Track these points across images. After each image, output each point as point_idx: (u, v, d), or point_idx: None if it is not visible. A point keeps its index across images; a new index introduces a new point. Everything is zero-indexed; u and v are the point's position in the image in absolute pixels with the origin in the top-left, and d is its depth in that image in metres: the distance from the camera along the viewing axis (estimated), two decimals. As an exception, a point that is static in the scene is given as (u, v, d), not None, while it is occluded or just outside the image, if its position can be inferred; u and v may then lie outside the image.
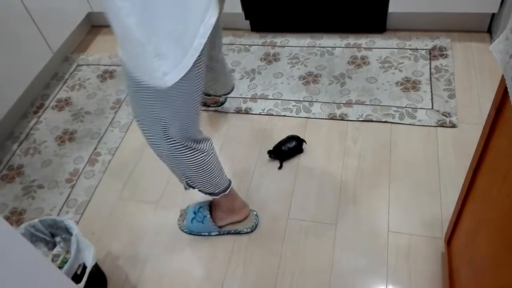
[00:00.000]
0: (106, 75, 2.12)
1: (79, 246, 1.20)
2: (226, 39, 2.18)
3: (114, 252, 1.46)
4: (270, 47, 2.10)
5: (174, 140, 1.09)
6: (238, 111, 1.84)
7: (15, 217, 1.61)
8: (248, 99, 1.87)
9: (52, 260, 1.23)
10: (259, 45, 2.12)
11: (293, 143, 1.61)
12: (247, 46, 2.13)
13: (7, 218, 1.60)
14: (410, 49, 1.95)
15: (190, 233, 1.47)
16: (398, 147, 1.60)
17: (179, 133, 1.08)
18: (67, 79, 2.14)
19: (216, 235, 1.45)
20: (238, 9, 2.09)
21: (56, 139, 1.87)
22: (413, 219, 1.40)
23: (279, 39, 2.13)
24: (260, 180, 1.58)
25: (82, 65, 2.20)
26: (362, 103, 1.76)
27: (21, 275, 0.82)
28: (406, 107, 1.72)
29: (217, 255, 1.41)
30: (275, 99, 1.85)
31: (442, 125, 1.63)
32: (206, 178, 1.22)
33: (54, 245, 1.31)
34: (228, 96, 1.85)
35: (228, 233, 1.45)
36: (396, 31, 2.05)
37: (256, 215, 1.47)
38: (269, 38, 2.15)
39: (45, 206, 1.63)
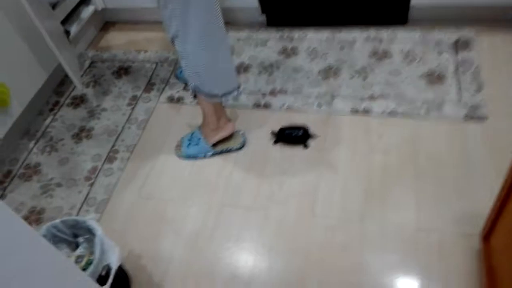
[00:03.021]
0: (121, 71, 2.09)
1: (103, 247, 1.17)
2: (242, 34, 2.13)
3: (136, 251, 1.43)
4: (287, 41, 2.06)
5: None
6: (257, 106, 1.80)
7: (34, 216, 1.58)
8: (267, 94, 1.83)
9: (76, 262, 1.20)
10: (276, 39, 2.08)
11: (300, 132, 1.61)
12: (264, 40, 2.09)
13: (26, 218, 1.57)
14: (433, 41, 1.90)
15: (188, 157, 1.66)
16: (425, 142, 1.55)
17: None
18: (82, 75, 2.11)
19: (211, 155, 1.64)
20: (254, 3, 2.05)
21: (73, 137, 1.84)
22: (443, 215, 1.35)
23: (296, 33, 2.08)
24: (283, 177, 1.54)
25: (96, 61, 2.17)
26: (386, 98, 1.71)
27: (45, 279, 0.78)
28: (432, 101, 1.67)
29: (242, 254, 1.37)
30: (294, 93, 1.81)
31: (470, 119, 1.58)
32: (216, 71, 1.43)
33: (76, 245, 1.29)
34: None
35: (221, 152, 1.64)
36: (418, 23, 1.99)
37: (243, 134, 1.67)
38: (286, 32, 2.10)
39: (64, 205, 1.60)
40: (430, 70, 1.78)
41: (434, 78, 1.75)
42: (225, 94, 1.51)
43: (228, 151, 1.65)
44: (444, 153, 1.51)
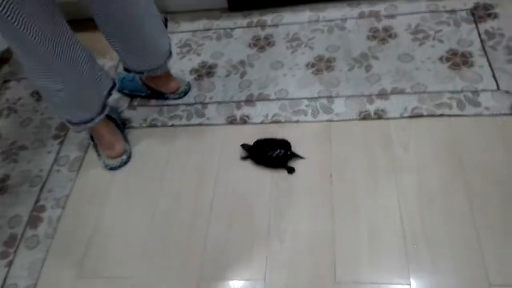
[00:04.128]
0: (44, 90, 1.57)
1: None
2: (199, 23, 1.65)
3: None
4: (259, 28, 1.59)
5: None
6: (232, 121, 1.33)
7: None
8: (242, 103, 1.37)
9: None
10: (244, 27, 1.61)
11: (278, 152, 1.18)
12: (228, 30, 1.61)
13: None
14: (445, 11, 1.48)
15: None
16: (468, 149, 1.13)
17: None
18: (-9, 102, 1.57)
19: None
20: (210, -18, 1.57)
21: (-18, 192, 1.32)
22: (522, 261, 0.95)
23: (269, 17, 1.61)
24: (282, 224, 1.09)
25: (9, 80, 1.64)
26: (402, 92, 1.28)
27: None
28: (463, 91, 1.25)
29: None
30: (280, 99, 1.36)
31: (519, 111, 1.18)
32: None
33: None
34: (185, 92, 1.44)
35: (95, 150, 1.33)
36: (421, -11, 1.56)
37: (121, 160, 1.28)
38: (256, 16, 1.63)
39: (-30, 302, 1.10)
40: (450, 49, 1.36)
41: (458, 59, 1.33)
42: (82, 123, 1.19)
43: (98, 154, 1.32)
44: (498, 163, 1.10)
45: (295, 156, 1.20)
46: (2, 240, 1.20)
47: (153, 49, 1.24)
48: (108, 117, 1.27)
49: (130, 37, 1.17)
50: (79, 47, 1.08)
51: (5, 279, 1.13)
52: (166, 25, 1.34)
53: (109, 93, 1.23)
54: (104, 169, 1.29)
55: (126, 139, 1.33)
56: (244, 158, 1.23)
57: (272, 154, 1.19)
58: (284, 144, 1.20)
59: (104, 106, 1.21)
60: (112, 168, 1.28)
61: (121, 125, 1.36)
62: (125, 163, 1.29)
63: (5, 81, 1.63)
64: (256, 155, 1.21)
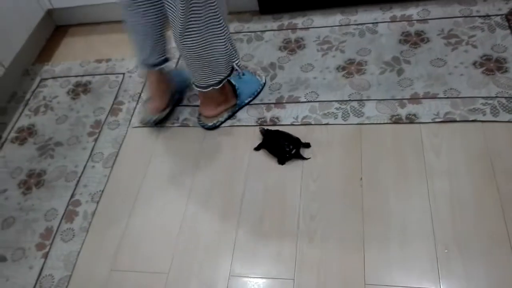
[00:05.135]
0: (79, 89, 1.62)
1: None
2: (230, 26, 1.67)
3: None
4: (289, 31, 1.60)
5: None
6: (262, 123, 1.35)
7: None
8: (272, 105, 1.39)
9: None
10: (275, 29, 1.62)
11: (290, 147, 1.23)
12: (258, 33, 1.63)
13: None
14: (479, 16, 1.46)
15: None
16: (501, 156, 1.12)
17: None
18: (29, 99, 1.63)
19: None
20: (242, -15, 1.59)
21: (20, 186, 1.37)
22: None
23: (300, 20, 1.63)
24: (312, 224, 1.10)
25: (47, 78, 1.69)
26: (434, 97, 1.28)
27: None
28: (497, 96, 1.24)
29: None
30: (309, 101, 1.37)
31: (557, 118, 1.16)
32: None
33: None
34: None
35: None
36: (454, -6, 1.55)
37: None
38: (286, 19, 1.64)
39: (9, 290, 1.15)
40: (484, 54, 1.35)
41: (492, 65, 1.32)
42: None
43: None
44: (532, 171, 1.08)
45: (300, 157, 1.23)
46: (38, 232, 1.25)
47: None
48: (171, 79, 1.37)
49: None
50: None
51: (41, 269, 1.17)
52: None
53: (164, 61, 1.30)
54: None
55: (172, 107, 1.41)
56: (257, 149, 1.28)
57: (285, 147, 1.23)
58: (296, 142, 1.24)
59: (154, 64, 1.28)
60: (149, 122, 1.38)
61: (178, 99, 1.44)
62: (160, 121, 1.38)
63: (43, 79, 1.69)
64: (269, 141, 1.26)
